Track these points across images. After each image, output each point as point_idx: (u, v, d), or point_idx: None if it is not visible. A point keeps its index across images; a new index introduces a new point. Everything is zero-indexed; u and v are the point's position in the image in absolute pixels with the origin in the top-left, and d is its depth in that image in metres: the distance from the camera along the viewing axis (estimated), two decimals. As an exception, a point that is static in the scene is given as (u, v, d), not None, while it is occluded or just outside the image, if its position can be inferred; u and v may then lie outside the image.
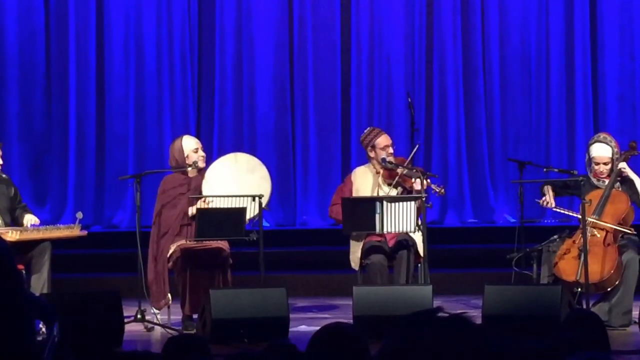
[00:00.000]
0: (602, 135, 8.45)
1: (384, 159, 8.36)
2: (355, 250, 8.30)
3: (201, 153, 8.35)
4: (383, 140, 8.44)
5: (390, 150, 8.42)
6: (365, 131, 8.69)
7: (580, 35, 11.56)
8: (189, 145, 8.36)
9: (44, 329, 2.79)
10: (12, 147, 11.18)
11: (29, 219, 8.21)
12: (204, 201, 8.10)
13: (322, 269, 10.26)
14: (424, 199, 8.02)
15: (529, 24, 11.62)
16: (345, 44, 11.69)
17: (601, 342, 3.89)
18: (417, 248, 8.15)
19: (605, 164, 8.19)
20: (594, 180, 8.24)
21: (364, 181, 8.47)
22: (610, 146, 8.21)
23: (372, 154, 8.47)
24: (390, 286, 7.94)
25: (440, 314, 1.98)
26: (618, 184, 8.22)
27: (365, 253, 8.22)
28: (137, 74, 11.54)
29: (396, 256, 8.19)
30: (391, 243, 8.30)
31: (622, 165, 8.17)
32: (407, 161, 8.42)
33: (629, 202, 8.12)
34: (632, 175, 8.20)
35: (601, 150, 8.21)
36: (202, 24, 11.72)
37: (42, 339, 2.78)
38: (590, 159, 8.27)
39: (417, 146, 8.65)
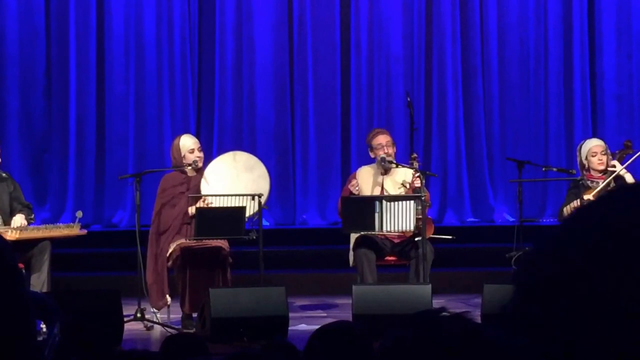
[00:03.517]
0: (589, 137, 8.57)
1: (383, 158, 8.41)
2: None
3: (197, 153, 8.33)
4: (378, 139, 8.52)
5: (386, 149, 8.44)
6: (369, 133, 8.84)
7: (579, 36, 11.58)
8: (186, 145, 8.36)
9: (44, 329, 2.79)
10: (12, 146, 11.19)
11: (15, 221, 8.18)
12: (204, 201, 8.11)
13: (321, 268, 10.27)
14: (423, 198, 8.04)
15: (528, 24, 11.64)
16: (345, 44, 11.70)
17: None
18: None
19: (602, 152, 8.22)
20: (588, 182, 8.26)
21: (368, 180, 8.51)
22: (602, 140, 8.30)
23: (371, 154, 8.55)
24: (389, 285, 7.95)
25: (442, 314, 1.98)
26: (612, 182, 8.25)
27: (354, 245, 8.28)
28: (137, 74, 11.55)
29: (412, 255, 8.24)
30: (397, 240, 8.36)
31: (614, 163, 8.21)
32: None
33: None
34: (620, 169, 8.24)
35: (596, 141, 8.31)
36: (202, 24, 11.74)
37: (43, 339, 2.78)
38: (585, 158, 8.29)
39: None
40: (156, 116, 11.57)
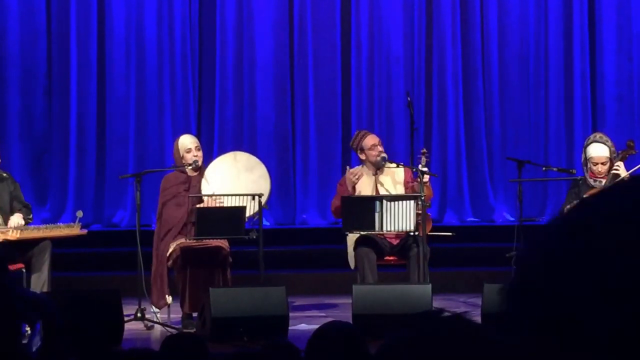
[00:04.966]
0: (598, 135, 8.46)
1: (384, 158, 8.42)
2: (350, 250, 8.39)
3: (195, 153, 8.33)
4: (369, 140, 8.51)
5: (379, 148, 8.46)
6: (353, 136, 8.79)
7: (579, 36, 11.58)
8: (184, 145, 8.38)
9: (29, 331, 2.77)
10: (12, 146, 11.20)
11: (12, 220, 8.17)
12: (213, 199, 8.09)
13: (321, 268, 10.27)
14: (422, 198, 8.04)
15: (528, 24, 11.64)
16: (345, 44, 11.71)
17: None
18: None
19: (603, 163, 8.20)
20: (591, 181, 8.24)
21: (361, 182, 8.51)
22: (607, 146, 8.23)
23: (362, 157, 8.54)
24: (389, 285, 7.96)
25: (442, 315, 1.98)
26: (614, 183, 8.23)
27: (355, 245, 8.29)
28: (138, 74, 11.55)
29: (408, 255, 8.24)
30: (395, 242, 8.36)
31: (618, 164, 8.19)
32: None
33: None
34: (625, 175, 8.21)
35: (599, 150, 8.22)
36: (202, 24, 11.74)
37: (27, 341, 2.77)
38: (587, 159, 8.27)
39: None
40: (157, 116, 11.57)
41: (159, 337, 7.63)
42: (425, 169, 8.25)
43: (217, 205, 8.06)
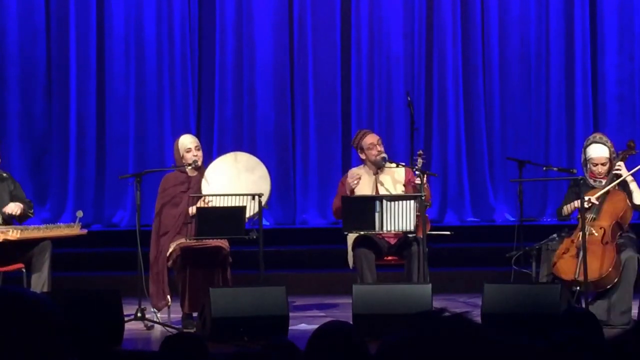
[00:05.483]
0: (597, 136, 8.45)
1: (384, 158, 8.42)
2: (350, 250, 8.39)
3: (195, 152, 8.34)
4: (368, 139, 8.52)
5: (379, 147, 8.47)
6: (354, 136, 8.80)
7: (580, 35, 11.58)
8: (184, 144, 8.39)
9: None
10: (12, 146, 11.20)
11: (9, 206, 8.15)
12: (204, 200, 8.12)
13: (321, 268, 10.28)
14: (423, 197, 8.04)
15: (529, 23, 11.64)
16: (345, 43, 11.71)
17: (596, 340, 3.90)
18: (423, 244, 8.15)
19: (603, 164, 8.19)
20: (591, 181, 8.24)
21: (363, 181, 8.50)
22: (607, 146, 8.22)
23: (363, 156, 8.55)
24: (389, 285, 7.95)
25: (442, 315, 1.98)
26: (616, 187, 8.22)
27: (353, 245, 8.28)
28: (138, 74, 11.56)
29: (406, 254, 8.23)
30: (393, 241, 8.35)
31: (619, 164, 8.18)
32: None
33: (627, 201, 8.12)
34: (626, 175, 8.20)
35: (599, 151, 8.21)
36: (202, 24, 11.74)
37: None
38: (587, 160, 8.26)
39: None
40: (156, 116, 11.58)
41: (159, 337, 7.63)
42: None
43: (206, 205, 8.05)
